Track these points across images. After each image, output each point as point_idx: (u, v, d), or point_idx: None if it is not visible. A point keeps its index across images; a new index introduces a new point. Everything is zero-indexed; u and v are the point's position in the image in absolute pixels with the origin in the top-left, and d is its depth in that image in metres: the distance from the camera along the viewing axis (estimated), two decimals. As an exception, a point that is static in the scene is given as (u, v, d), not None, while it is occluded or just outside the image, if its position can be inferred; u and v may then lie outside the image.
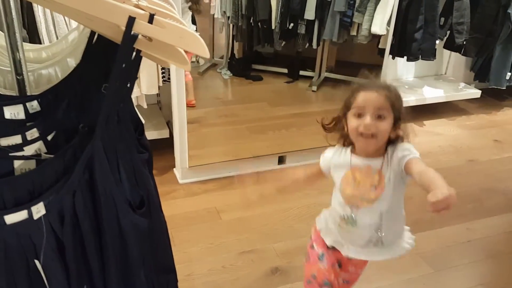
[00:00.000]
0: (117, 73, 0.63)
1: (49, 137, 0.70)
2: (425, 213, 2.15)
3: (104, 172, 0.65)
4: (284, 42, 2.81)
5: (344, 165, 1.11)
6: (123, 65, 0.63)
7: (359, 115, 1.02)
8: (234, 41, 3.17)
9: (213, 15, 2.97)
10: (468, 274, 1.74)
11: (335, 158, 1.14)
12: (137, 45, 0.62)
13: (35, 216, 0.64)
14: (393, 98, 1.02)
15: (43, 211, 0.64)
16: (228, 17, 2.91)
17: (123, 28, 0.60)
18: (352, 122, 1.03)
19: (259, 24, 2.75)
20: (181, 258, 1.72)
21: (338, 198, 1.12)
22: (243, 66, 3.22)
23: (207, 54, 0.64)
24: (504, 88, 3.03)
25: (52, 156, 0.68)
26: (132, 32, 0.60)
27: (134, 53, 0.64)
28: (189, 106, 2.57)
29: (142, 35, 0.62)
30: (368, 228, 1.11)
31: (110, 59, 0.66)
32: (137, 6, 0.65)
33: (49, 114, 0.72)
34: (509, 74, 2.97)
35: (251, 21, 2.78)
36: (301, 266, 1.72)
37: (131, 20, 0.59)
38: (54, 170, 0.66)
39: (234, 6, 2.77)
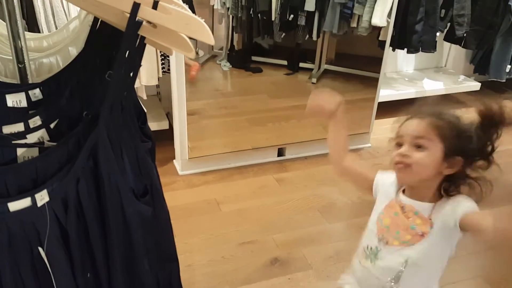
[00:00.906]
0: (121, 60, 0.63)
1: (52, 125, 0.70)
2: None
3: (108, 160, 0.65)
4: (284, 34, 2.79)
5: (390, 194, 0.99)
6: (128, 52, 0.63)
7: (399, 145, 0.92)
8: (234, 32, 3.15)
9: (213, 6, 2.95)
10: (466, 266, 1.75)
11: (386, 182, 1.01)
12: (141, 32, 0.62)
13: (39, 204, 0.64)
14: (442, 125, 0.89)
15: (46, 199, 0.64)
16: (228, 8, 2.89)
17: (128, 15, 0.60)
18: (392, 153, 0.93)
19: (259, 15, 2.73)
20: (181, 249, 1.70)
21: (371, 226, 1.01)
22: (242, 58, 3.20)
23: (212, 41, 0.63)
24: (504, 81, 3.03)
25: (55, 144, 0.68)
26: (136, 18, 0.60)
27: (138, 40, 0.63)
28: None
29: (147, 22, 0.62)
30: (386, 272, 0.95)
31: (113, 46, 0.65)
32: (140, -8, 0.64)
33: (52, 102, 0.71)
34: (509, 67, 2.97)
35: (251, 12, 2.76)
36: (301, 257, 1.73)
37: (135, 6, 0.59)
38: (58, 158, 0.65)
39: (234, -3, 2.75)
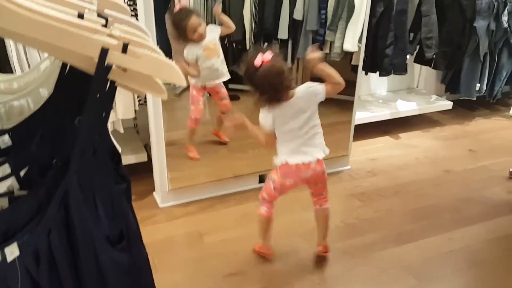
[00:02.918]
0: (91, 105, 0.62)
1: (22, 173, 0.68)
2: (406, 225, 2.18)
3: (80, 208, 0.63)
4: (259, 62, 2.83)
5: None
6: (98, 97, 0.62)
7: None
8: (210, 61, 3.16)
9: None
10: (452, 284, 1.75)
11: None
12: (111, 76, 0.61)
13: (9, 258, 0.61)
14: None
15: (17, 252, 0.61)
16: (203, 38, 2.92)
17: (97, 60, 0.59)
18: None
19: (234, 44, 2.77)
20: (165, 285, 1.68)
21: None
22: (219, 86, 3.21)
23: (183, 83, 0.63)
24: (475, 98, 3.13)
25: (25, 192, 0.66)
26: (105, 63, 0.59)
27: (109, 84, 0.63)
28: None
29: (117, 66, 0.61)
30: None
31: (84, 90, 0.64)
32: (110, 35, 0.64)
33: (22, 148, 0.69)
34: (478, 85, 3.07)
35: (226, 42, 2.80)
36: (288, 285, 1.71)
37: (104, 52, 0.59)
38: (28, 208, 0.63)
39: (209, 28, 2.79)
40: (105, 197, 0.67)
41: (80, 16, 0.64)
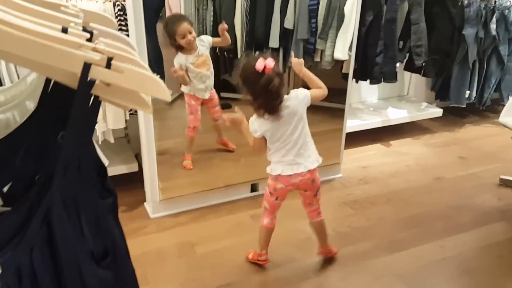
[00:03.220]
0: (74, 121, 0.61)
1: (5, 189, 0.66)
2: (398, 233, 2.18)
3: (63, 225, 0.62)
4: (250, 70, 2.84)
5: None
6: (81, 112, 0.61)
7: None
8: (201, 70, 3.16)
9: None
10: (444, 292, 1.75)
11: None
12: (94, 91, 0.61)
13: (-10, 276, 0.60)
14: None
15: (-2, 271, 0.60)
16: (195, 47, 2.92)
17: (79, 75, 0.58)
18: None
19: (225, 53, 2.77)
20: (155, 297, 1.66)
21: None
22: (211, 95, 3.21)
23: (168, 98, 0.62)
24: (464, 106, 3.15)
25: (8, 208, 0.64)
26: (88, 78, 0.58)
27: (92, 98, 0.62)
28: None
29: (100, 81, 0.60)
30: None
31: (68, 104, 0.63)
32: (94, 49, 0.63)
33: (6, 163, 0.68)
34: (467, 92, 3.10)
35: (217, 50, 2.80)
36: (280, 297, 1.70)
37: (86, 67, 0.58)
38: (11, 225, 0.61)
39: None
40: (90, 213, 0.66)
41: (65, 30, 0.63)
